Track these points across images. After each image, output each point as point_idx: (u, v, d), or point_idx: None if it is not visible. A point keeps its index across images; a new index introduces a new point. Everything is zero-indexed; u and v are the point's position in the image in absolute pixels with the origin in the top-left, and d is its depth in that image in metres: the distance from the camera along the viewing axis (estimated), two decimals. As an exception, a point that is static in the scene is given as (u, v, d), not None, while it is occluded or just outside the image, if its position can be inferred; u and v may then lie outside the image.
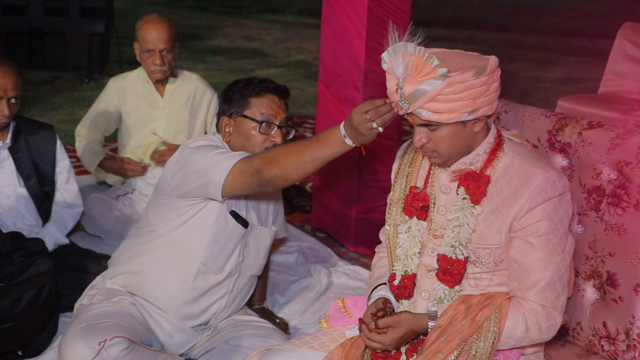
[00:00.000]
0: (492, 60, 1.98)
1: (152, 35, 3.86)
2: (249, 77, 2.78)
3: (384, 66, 1.98)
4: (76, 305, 2.80)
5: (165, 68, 3.94)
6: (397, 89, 1.96)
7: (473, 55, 2.03)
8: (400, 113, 2.00)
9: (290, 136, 2.76)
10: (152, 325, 2.72)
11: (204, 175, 2.52)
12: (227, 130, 2.71)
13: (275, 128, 2.68)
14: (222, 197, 2.54)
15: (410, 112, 1.97)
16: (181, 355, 2.76)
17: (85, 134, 4.13)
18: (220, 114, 2.74)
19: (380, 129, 2.10)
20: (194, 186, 2.57)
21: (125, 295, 2.73)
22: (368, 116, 2.07)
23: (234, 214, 2.70)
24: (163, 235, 2.70)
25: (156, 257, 2.71)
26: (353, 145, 2.18)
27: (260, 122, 2.65)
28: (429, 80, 1.90)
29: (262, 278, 3.13)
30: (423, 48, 1.92)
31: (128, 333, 2.53)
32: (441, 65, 1.90)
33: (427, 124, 2.00)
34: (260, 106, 2.67)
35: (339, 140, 2.18)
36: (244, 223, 2.73)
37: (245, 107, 2.67)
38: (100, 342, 2.46)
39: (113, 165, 4.06)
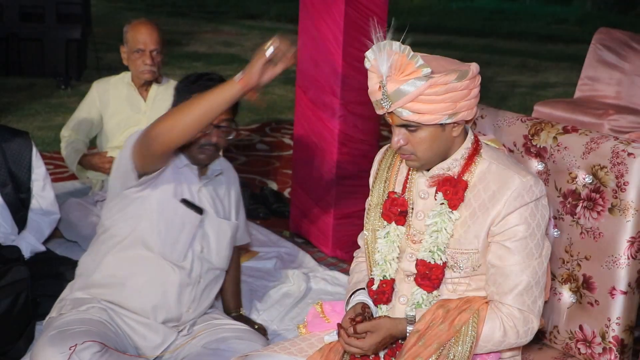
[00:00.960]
0: (474, 66, 1.99)
1: (144, 35, 3.87)
2: (203, 72, 2.76)
3: (367, 65, 1.98)
4: (45, 320, 2.76)
5: (155, 69, 3.95)
6: (379, 86, 1.96)
7: (454, 60, 2.04)
8: (381, 112, 2.00)
9: (231, 136, 2.73)
10: (125, 328, 2.69)
11: (123, 152, 2.60)
12: None
13: (212, 128, 2.64)
14: (136, 171, 2.57)
15: (391, 112, 1.98)
16: (155, 359, 2.73)
17: (68, 135, 4.13)
18: (172, 107, 2.72)
19: (267, 52, 2.22)
20: (119, 165, 2.64)
21: (94, 302, 2.70)
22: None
23: (186, 202, 2.71)
24: (112, 229, 2.73)
25: (117, 254, 2.72)
26: (238, 79, 2.24)
27: None
28: (412, 80, 1.91)
29: (234, 285, 3.12)
30: (408, 47, 1.92)
31: (100, 338, 2.50)
32: (425, 65, 1.90)
33: (406, 125, 2.00)
34: None
35: (228, 82, 2.27)
36: (198, 210, 2.74)
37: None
38: (71, 347, 2.42)
39: (92, 161, 4.04)
